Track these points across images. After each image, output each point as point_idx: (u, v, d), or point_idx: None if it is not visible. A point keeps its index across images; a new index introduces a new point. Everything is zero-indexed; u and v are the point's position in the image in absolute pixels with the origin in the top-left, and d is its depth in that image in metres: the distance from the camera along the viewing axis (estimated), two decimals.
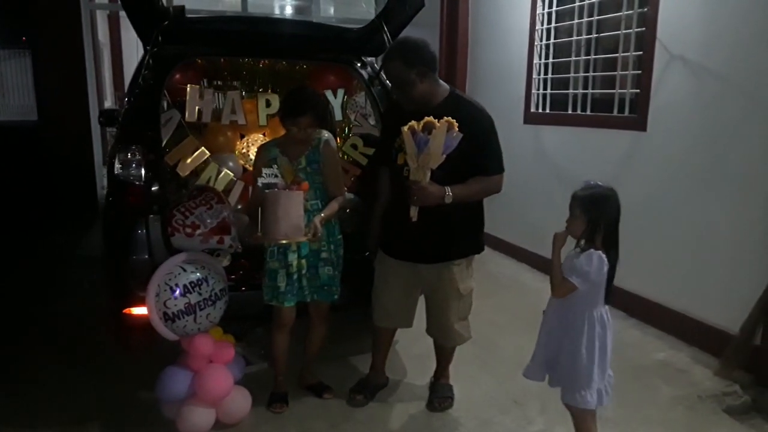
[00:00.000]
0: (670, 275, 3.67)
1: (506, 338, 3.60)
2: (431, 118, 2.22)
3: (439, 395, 2.85)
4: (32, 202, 6.45)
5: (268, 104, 3.48)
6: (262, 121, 3.51)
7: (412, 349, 3.33)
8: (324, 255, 2.67)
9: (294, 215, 2.40)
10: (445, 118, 2.22)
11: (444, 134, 2.20)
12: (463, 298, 2.66)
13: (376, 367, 2.95)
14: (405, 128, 2.25)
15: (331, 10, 11.16)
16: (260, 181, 2.47)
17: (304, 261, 2.63)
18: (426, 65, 2.41)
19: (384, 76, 2.44)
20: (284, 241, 2.47)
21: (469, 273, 2.67)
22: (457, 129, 2.22)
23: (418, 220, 2.36)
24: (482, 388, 3.02)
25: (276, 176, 2.49)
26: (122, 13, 11.07)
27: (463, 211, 2.52)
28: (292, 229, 2.40)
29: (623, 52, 4.02)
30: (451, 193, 2.36)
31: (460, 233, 2.59)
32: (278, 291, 2.61)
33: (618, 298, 4.02)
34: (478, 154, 2.44)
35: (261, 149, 2.75)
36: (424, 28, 5.82)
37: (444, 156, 2.24)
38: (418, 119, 2.27)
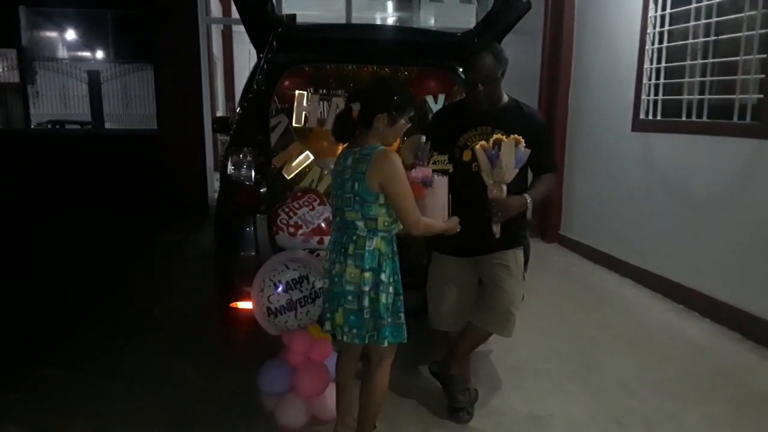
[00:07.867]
0: None
1: (608, 356, 3.43)
2: (500, 135, 2.41)
3: (461, 387, 2.72)
4: (150, 203, 6.93)
5: None
6: None
7: (507, 359, 3.25)
8: None
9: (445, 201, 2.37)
10: (513, 135, 2.40)
11: (513, 149, 2.36)
12: (522, 284, 2.69)
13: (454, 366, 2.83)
14: (477, 146, 2.42)
15: (432, 20, 11.28)
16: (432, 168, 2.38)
17: None
18: (506, 67, 2.59)
19: (470, 70, 2.55)
20: None
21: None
22: (524, 145, 2.38)
23: (481, 214, 2.44)
24: (582, 406, 2.88)
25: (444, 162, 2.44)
26: (235, 28, 11.76)
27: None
28: (446, 216, 2.37)
29: (745, 54, 3.75)
30: (530, 199, 2.53)
31: (518, 222, 2.67)
32: None
33: (735, 320, 3.75)
34: (543, 149, 2.65)
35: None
36: (525, 35, 5.73)
37: (517, 170, 2.40)
38: (485, 117, 2.56)
